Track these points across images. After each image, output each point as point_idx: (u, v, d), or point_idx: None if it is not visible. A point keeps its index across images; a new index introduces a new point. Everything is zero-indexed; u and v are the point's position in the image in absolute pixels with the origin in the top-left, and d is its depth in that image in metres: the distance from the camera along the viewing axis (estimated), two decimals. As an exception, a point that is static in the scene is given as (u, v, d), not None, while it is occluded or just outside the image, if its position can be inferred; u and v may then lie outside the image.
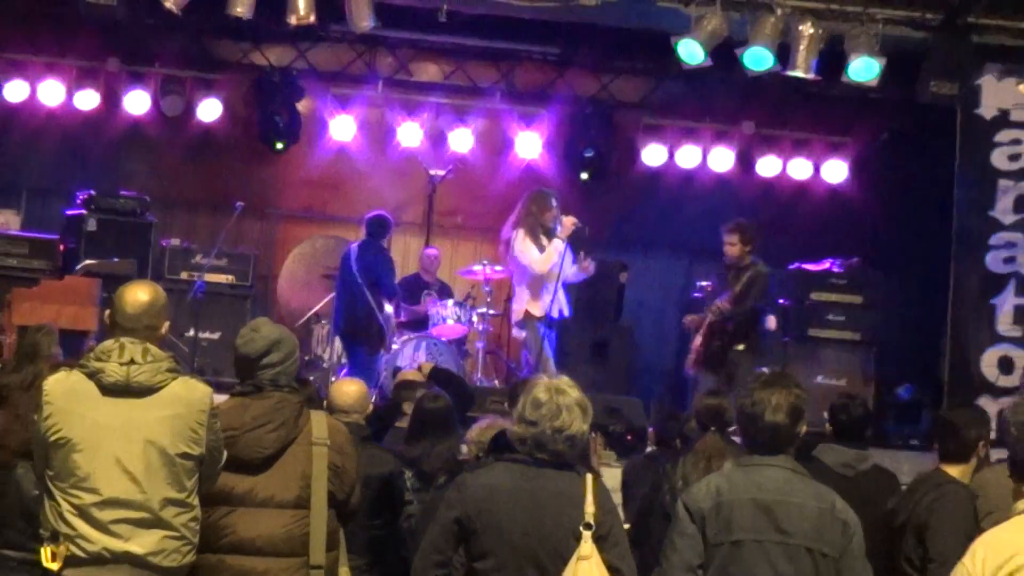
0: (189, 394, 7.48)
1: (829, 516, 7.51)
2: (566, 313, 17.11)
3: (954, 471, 9.99)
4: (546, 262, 16.64)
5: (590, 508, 7.60)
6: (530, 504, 7.64)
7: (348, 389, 10.47)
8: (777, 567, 7.44)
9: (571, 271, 16.92)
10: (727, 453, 9.36)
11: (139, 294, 7.67)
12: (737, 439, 8.86)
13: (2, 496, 9.18)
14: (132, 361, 7.40)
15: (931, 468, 10.36)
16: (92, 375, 7.40)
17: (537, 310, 16.90)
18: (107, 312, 7.74)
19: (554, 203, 16.90)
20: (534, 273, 16.74)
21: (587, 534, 7.51)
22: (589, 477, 7.77)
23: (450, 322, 17.93)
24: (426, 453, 10.97)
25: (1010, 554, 6.68)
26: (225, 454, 7.78)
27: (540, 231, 16.72)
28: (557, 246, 16.62)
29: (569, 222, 16.57)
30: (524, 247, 16.67)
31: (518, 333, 17.27)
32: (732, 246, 16.42)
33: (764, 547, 7.42)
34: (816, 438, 10.88)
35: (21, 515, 8.95)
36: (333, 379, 16.76)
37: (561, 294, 16.92)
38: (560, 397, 7.80)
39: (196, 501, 7.51)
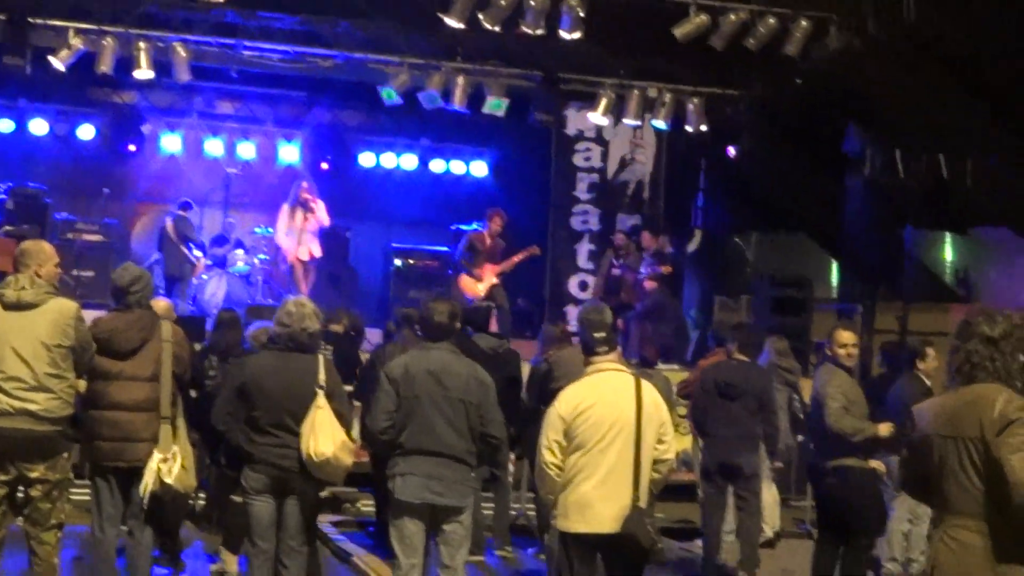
0: (61, 307, 8.11)
1: (474, 379, 8.34)
2: (317, 254, 18.81)
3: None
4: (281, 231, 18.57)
5: (322, 376, 8.31)
6: (285, 375, 8.33)
7: (162, 304, 10.90)
8: (442, 410, 8.19)
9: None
10: (416, 342, 9.54)
11: (27, 245, 8.45)
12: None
13: None
14: (23, 287, 8.05)
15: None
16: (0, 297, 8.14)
17: (292, 255, 18.64)
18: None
19: (304, 186, 18.81)
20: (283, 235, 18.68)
21: (320, 392, 8.26)
22: (321, 356, 8.49)
23: (240, 264, 19.34)
24: (222, 343, 12.19)
25: (578, 401, 7.72)
26: (94, 346, 8.37)
27: (297, 208, 18.61)
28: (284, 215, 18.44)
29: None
30: (280, 219, 18.66)
31: (286, 269, 19.01)
32: (496, 225, 18.19)
33: (434, 399, 8.18)
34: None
35: None
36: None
37: (316, 245, 18.73)
38: (303, 308, 8.51)
39: (71, 375, 8.12)
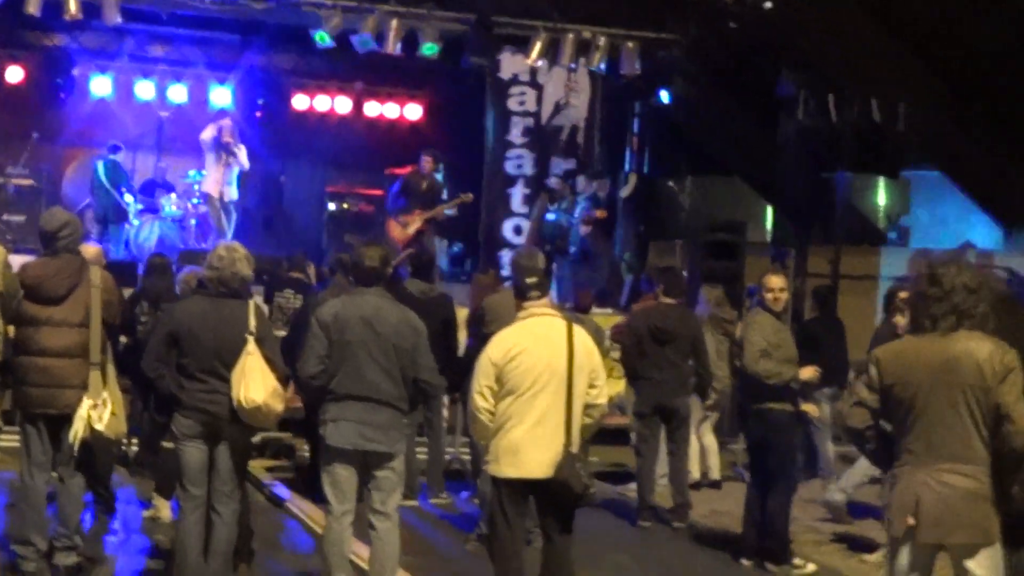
0: None
1: (406, 324, 8.33)
2: (234, 197, 18.83)
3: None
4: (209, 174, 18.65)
5: (252, 322, 8.25)
6: (215, 321, 8.26)
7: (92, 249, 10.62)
8: (373, 355, 8.16)
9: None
10: (348, 288, 9.42)
11: None
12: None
13: None
14: None
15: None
16: None
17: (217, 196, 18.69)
18: None
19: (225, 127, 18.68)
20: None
21: (250, 338, 8.19)
22: (251, 303, 8.42)
23: (173, 208, 19.34)
24: (152, 289, 12.12)
25: (510, 346, 7.77)
26: (21, 292, 8.28)
27: (221, 153, 18.58)
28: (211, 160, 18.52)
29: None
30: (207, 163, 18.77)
31: (213, 213, 18.89)
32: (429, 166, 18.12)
33: (366, 344, 8.15)
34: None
35: None
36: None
37: (234, 187, 18.71)
38: (234, 253, 8.42)
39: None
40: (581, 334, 7.92)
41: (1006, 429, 6.00)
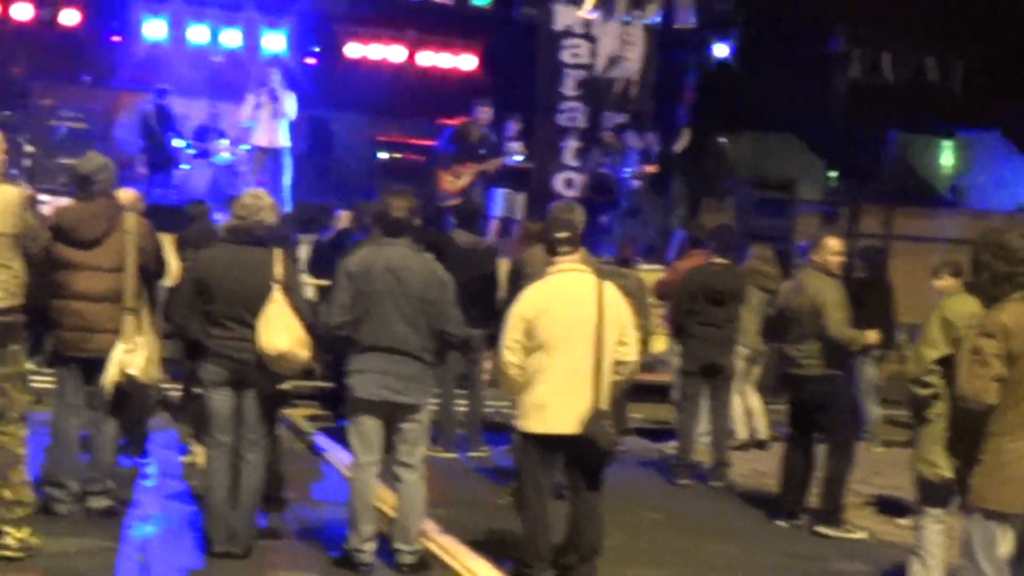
0: (4, 195, 7.71)
1: (431, 275, 8.22)
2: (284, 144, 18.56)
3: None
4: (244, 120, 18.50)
5: (278, 270, 8.22)
6: (241, 268, 8.23)
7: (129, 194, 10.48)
8: (399, 305, 8.07)
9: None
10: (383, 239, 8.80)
11: None
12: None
13: None
14: None
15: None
16: None
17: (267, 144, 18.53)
18: None
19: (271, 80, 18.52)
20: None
21: (276, 285, 8.18)
22: (276, 251, 8.35)
23: (225, 154, 19.24)
24: (192, 235, 12.19)
25: (539, 301, 7.80)
26: (45, 234, 8.18)
27: (265, 100, 18.36)
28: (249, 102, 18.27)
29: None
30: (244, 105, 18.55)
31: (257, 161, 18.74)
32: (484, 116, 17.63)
33: (392, 294, 8.06)
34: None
35: None
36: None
37: (282, 135, 18.52)
38: (260, 201, 8.44)
39: (16, 265, 7.70)
40: (611, 289, 7.87)
41: None
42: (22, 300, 7.79)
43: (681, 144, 20.63)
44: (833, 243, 10.46)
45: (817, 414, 10.38)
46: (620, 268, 12.44)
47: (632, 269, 13.00)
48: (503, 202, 18.70)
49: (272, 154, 18.60)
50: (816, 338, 10.23)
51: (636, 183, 18.59)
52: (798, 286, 10.58)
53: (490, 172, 18.13)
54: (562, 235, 7.91)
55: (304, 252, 13.68)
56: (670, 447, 12.65)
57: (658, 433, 13.69)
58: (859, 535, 10.29)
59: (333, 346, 8.41)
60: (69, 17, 20.15)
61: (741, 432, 13.55)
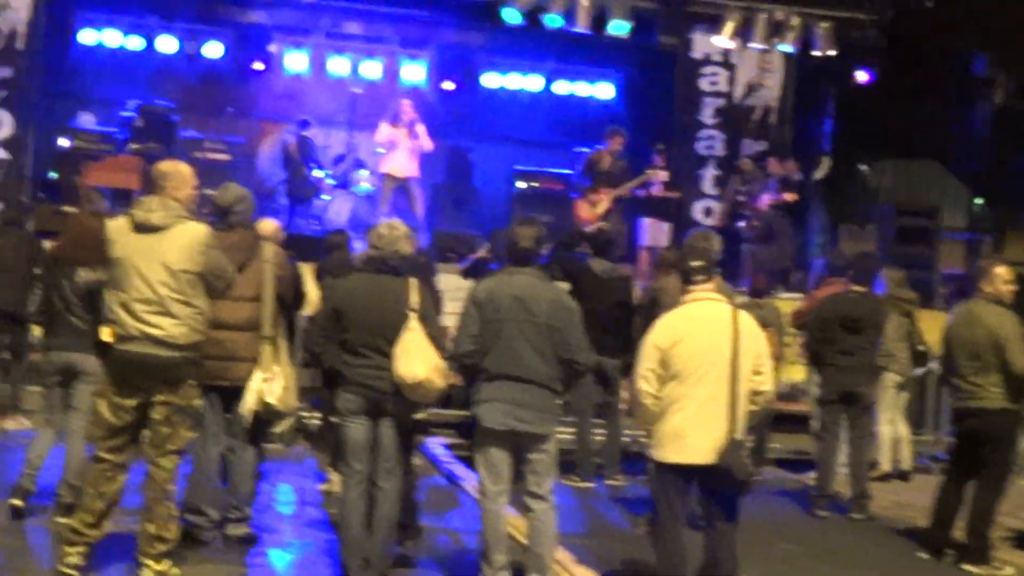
0: (191, 232, 7.78)
1: (558, 303, 8.25)
2: (413, 174, 18.44)
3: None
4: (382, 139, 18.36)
5: (414, 299, 8.31)
6: (377, 297, 8.35)
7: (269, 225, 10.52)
8: (526, 335, 8.11)
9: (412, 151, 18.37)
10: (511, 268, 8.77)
11: (165, 167, 8.07)
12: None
13: (66, 288, 9.25)
14: (151, 209, 7.74)
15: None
16: (129, 218, 7.82)
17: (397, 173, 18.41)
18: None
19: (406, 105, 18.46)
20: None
21: (412, 315, 8.26)
22: (412, 280, 8.45)
23: (364, 184, 19.49)
24: (331, 264, 12.19)
25: (674, 330, 7.78)
26: (230, 271, 8.09)
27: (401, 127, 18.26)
28: (389, 133, 18.16)
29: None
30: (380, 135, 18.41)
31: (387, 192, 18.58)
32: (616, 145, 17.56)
33: (519, 323, 8.10)
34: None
35: (80, 299, 9.18)
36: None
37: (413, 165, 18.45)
38: (395, 232, 8.56)
39: (200, 302, 7.83)
40: (747, 318, 7.82)
41: None
42: (203, 337, 7.88)
43: (822, 171, 20.43)
44: (1003, 272, 10.19)
45: (987, 448, 10.09)
46: (756, 299, 12.50)
47: (769, 298, 12.93)
48: (649, 231, 18.62)
49: (405, 183, 18.56)
50: (997, 371, 9.93)
51: (770, 211, 18.29)
52: (971, 318, 10.19)
53: (626, 195, 18.04)
54: (697, 264, 7.86)
55: (445, 282, 13.65)
56: (810, 478, 12.48)
57: (798, 463, 13.53)
58: (1007, 572, 10.01)
59: (465, 375, 8.35)
60: (213, 50, 20.55)
61: (884, 463, 13.38)
